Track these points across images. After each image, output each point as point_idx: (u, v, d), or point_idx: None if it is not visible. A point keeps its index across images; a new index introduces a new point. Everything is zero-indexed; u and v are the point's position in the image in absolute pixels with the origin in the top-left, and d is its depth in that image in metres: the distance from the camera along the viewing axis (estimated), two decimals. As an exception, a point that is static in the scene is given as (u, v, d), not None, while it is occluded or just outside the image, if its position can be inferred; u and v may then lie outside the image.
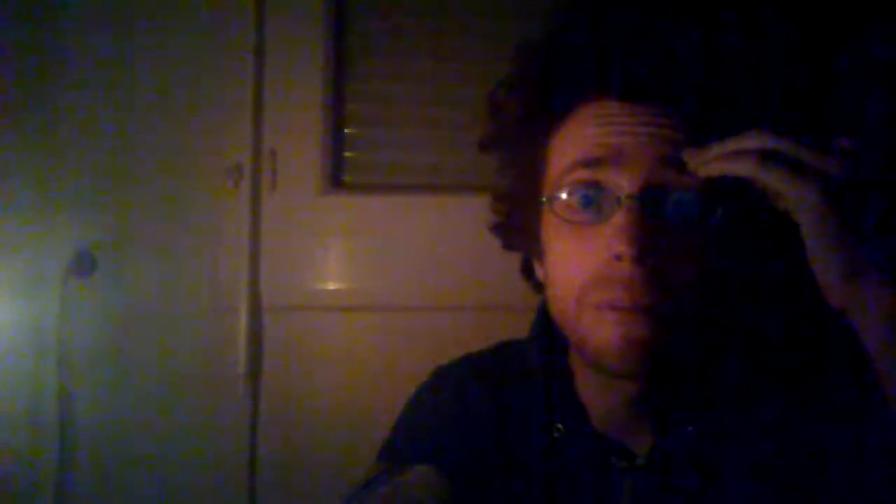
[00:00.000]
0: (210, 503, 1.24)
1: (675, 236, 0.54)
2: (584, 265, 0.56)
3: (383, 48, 1.29)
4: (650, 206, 0.54)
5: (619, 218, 0.53)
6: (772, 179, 0.50)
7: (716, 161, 0.53)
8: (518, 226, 0.65)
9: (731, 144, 0.52)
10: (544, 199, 0.59)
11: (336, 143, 1.29)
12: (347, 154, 1.30)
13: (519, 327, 0.71)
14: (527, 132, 0.62)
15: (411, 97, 1.29)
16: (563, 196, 0.57)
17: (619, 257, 0.53)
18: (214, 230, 1.27)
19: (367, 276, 1.27)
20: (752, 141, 0.52)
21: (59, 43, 1.27)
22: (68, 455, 1.24)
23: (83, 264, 1.25)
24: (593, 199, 0.56)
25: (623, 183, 0.54)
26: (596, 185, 0.56)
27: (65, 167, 1.26)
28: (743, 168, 0.51)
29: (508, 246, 0.69)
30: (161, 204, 1.27)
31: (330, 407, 1.24)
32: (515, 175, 0.65)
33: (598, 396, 0.62)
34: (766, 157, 0.51)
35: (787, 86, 0.60)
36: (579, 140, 0.57)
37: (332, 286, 1.27)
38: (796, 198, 0.50)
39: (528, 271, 0.67)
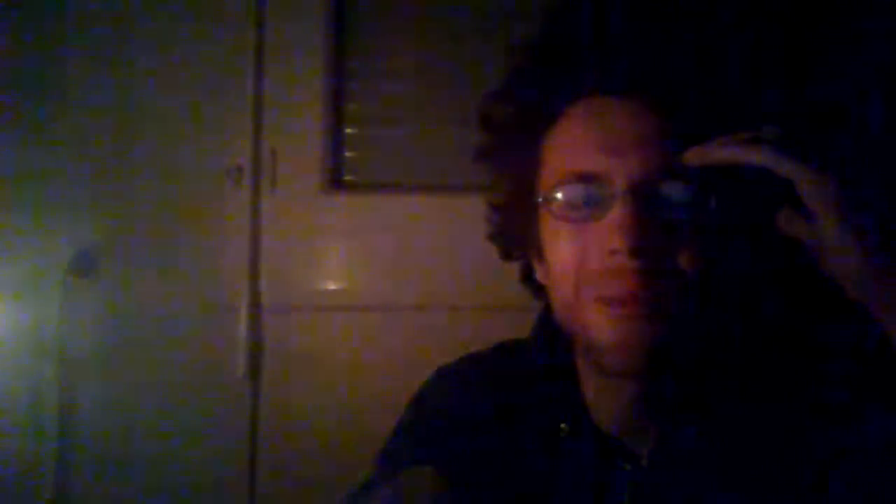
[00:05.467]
0: (210, 503, 1.24)
1: (672, 229, 0.54)
2: (584, 262, 0.56)
3: (383, 48, 1.29)
4: (645, 200, 0.54)
5: (614, 213, 0.54)
6: (789, 168, 0.50)
7: (724, 149, 0.53)
8: (516, 231, 0.65)
9: (745, 134, 0.52)
10: (540, 199, 0.59)
11: (336, 142, 1.29)
12: (347, 154, 1.30)
13: (519, 327, 0.71)
14: (520, 137, 0.62)
15: (411, 97, 1.29)
16: (559, 195, 0.57)
17: (615, 252, 0.53)
18: (214, 230, 1.27)
19: (366, 276, 1.27)
20: (768, 132, 0.52)
21: (59, 43, 1.27)
22: (68, 455, 1.24)
23: (83, 264, 1.25)
24: (589, 196, 0.56)
25: (617, 178, 0.54)
26: (591, 181, 0.56)
27: (65, 167, 1.26)
28: (759, 157, 0.51)
29: (507, 256, 0.69)
30: (161, 204, 1.27)
31: (330, 407, 1.24)
32: (511, 181, 0.65)
33: (601, 396, 0.62)
34: (783, 147, 0.51)
35: (780, 79, 0.60)
36: (572, 139, 0.58)
37: (332, 286, 1.27)
38: (815, 187, 0.50)
39: (527, 278, 0.67)
